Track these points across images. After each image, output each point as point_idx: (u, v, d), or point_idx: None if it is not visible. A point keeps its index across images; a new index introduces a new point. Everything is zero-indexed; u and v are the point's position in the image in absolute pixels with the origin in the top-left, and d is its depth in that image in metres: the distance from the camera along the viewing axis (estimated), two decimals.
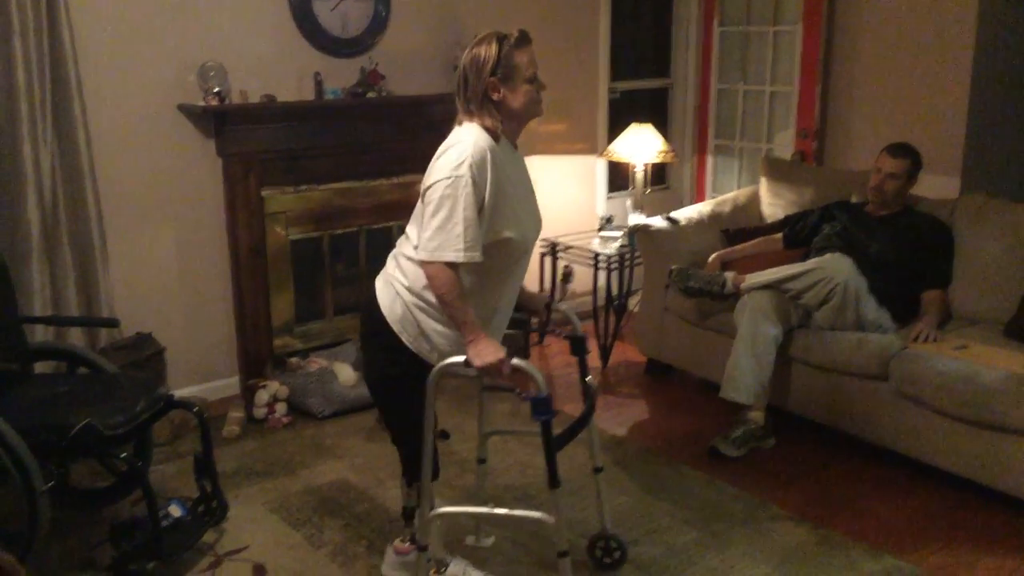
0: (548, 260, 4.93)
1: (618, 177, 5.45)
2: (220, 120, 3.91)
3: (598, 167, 5.30)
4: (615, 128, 5.21)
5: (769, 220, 4.43)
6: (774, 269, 3.67)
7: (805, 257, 3.88)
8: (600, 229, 4.92)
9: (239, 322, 4.19)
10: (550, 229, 4.98)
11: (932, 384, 3.22)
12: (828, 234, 3.92)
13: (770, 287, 3.62)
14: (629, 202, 4.83)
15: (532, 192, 2.55)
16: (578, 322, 2.72)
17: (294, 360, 4.18)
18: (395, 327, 2.43)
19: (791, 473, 3.49)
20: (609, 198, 5.42)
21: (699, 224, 4.34)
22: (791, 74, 5.07)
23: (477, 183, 2.25)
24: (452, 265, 2.27)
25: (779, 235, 4.14)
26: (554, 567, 2.43)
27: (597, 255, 4.60)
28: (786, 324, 3.62)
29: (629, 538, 2.99)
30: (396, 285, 2.44)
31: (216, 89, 3.80)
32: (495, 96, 2.34)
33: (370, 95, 4.25)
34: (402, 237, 2.51)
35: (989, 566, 2.86)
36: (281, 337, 4.33)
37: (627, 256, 4.57)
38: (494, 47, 2.33)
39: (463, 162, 2.25)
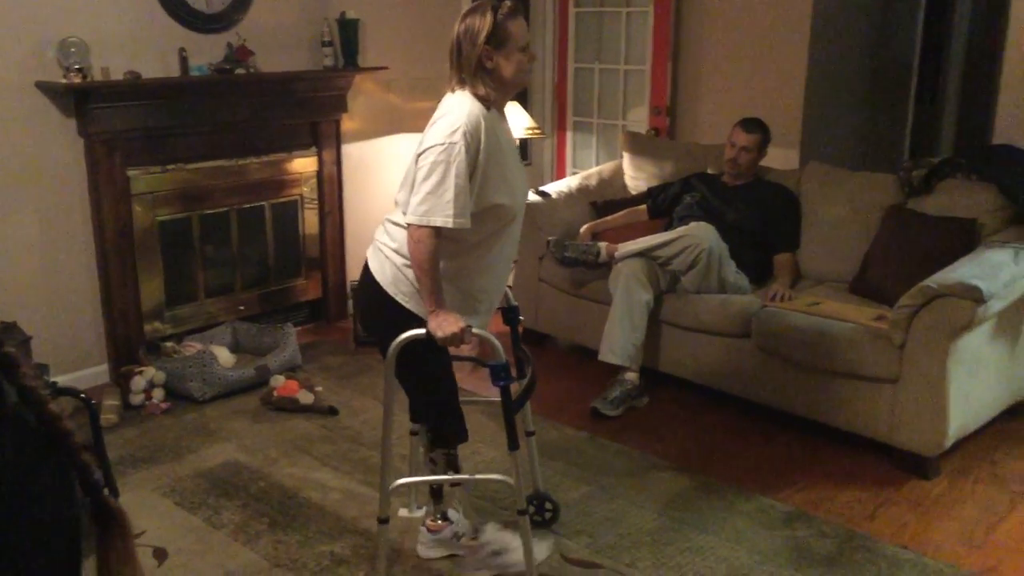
0: None
1: None
2: (82, 98, 3.75)
3: None
4: None
5: (633, 192, 4.67)
6: (644, 238, 3.89)
7: (668, 226, 4.13)
8: None
9: (107, 308, 4.06)
10: None
11: (789, 339, 3.52)
12: (689, 204, 4.18)
13: (641, 255, 3.84)
14: None
15: (519, 158, 2.60)
16: (510, 293, 2.78)
17: (169, 345, 4.09)
18: (389, 290, 2.45)
19: (666, 428, 3.73)
20: None
21: (569, 197, 4.53)
22: (644, 54, 5.32)
23: (470, 150, 2.30)
24: (437, 232, 2.30)
25: (643, 206, 4.38)
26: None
27: None
28: (656, 289, 3.86)
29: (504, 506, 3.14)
30: (384, 250, 2.47)
31: (77, 66, 3.65)
32: (488, 64, 2.37)
33: (238, 72, 4.18)
34: (391, 210, 2.53)
35: (847, 498, 3.18)
36: (151, 322, 4.22)
37: None
38: (488, 16, 2.36)
39: (457, 129, 2.29)
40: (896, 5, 5.61)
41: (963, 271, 3.23)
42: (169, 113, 4.06)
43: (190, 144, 4.20)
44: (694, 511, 3.08)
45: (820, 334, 3.45)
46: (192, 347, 4.10)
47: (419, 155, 2.36)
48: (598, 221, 4.36)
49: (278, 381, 3.95)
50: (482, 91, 2.39)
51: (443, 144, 2.30)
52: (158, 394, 3.88)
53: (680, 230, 3.86)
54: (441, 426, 2.61)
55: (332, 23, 4.55)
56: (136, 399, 3.85)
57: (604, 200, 4.58)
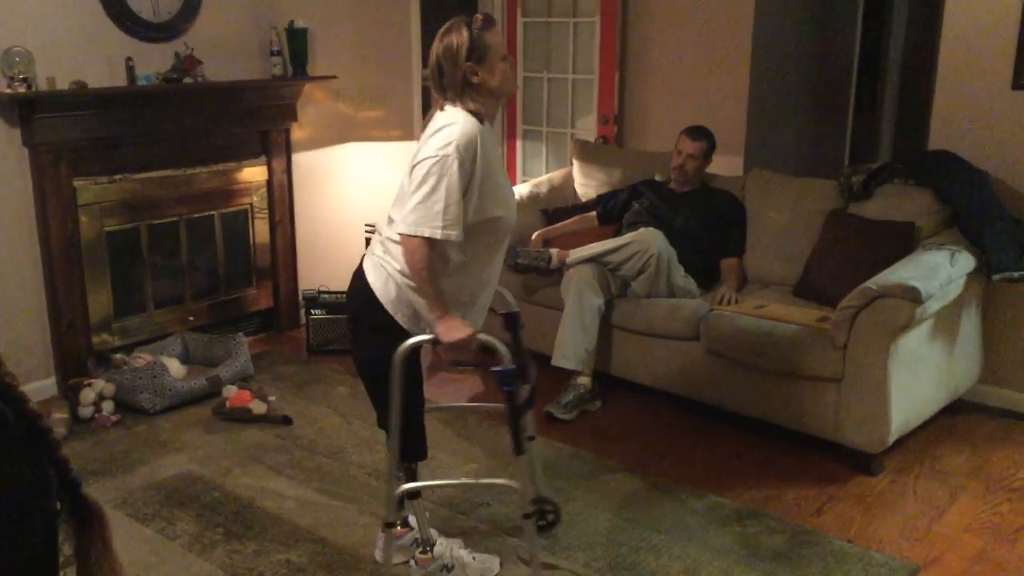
0: None
1: None
2: (27, 108, 3.71)
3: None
4: (427, 114, 5.35)
5: (583, 199, 4.73)
6: (594, 244, 3.96)
7: (617, 232, 4.20)
8: None
9: (54, 319, 4.00)
10: (372, 214, 5.07)
11: (737, 340, 3.61)
12: (637, 210, 4.26)
13: (592, 261, 3.90)
14: None
15: (505, 169, 2.63)
16: (512, 298, 2.80)
17: (119, 356, 4.04)
18: (389, 308, 2.46)
19: (619, 430, 3.79)
20: None
21: (519, 205, 4.57)
22: (591, 63, 5.39)
23: (464, 164, 2.31)
24: (431, 242, 2.31)
25: (593, 213, 4.45)
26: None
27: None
28: (607, 294, 3.92)
29: (481, 501, 3.18)
30: (387, 268, 2.47)
31: (22, 75, 3.61)
32: (475, 80, 2.39)
33: (186, 81, 4.15)
34: (385, 223, 2.53)
35: (795, 495, 3.27)
36: (100, 334, 4.16)
37: None
38: (464, 32, 2.38)
39: (451, 142, 2.30)
40: (835, 16, 5.77)
41: (902, 273, 3.34)
42: (116, 123, 4.02)
43: (138, 154, 4.16)
44: (647, 511, 3.14)
45: (766, 336, 3.54)
46: (142, 359, 4.06)
47: (413, 167, 2.37)
48: (549, 228, 4.41)
49: (230, 391, 3.92)
50: (473, 107, 2.41)
51: (436, 157, 2.31)
52: (108, 406, 3.83)
53: (629, 236, 3.93)
54: (407, 441, 2.60)
55: (281, 32, 4.55)
56: (85, 412, 3.79)
57: (554, 207, 4.64)
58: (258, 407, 3.84)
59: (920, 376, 3.49)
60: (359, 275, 2.56)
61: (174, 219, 4.37)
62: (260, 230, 4.76)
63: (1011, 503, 3.21)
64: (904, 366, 3.36)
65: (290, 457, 3.53)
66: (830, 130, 6.00)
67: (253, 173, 4.66)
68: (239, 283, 4.75)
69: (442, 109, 2.45)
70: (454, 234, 2.34)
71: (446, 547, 2.79)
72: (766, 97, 5.04)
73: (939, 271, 3.39)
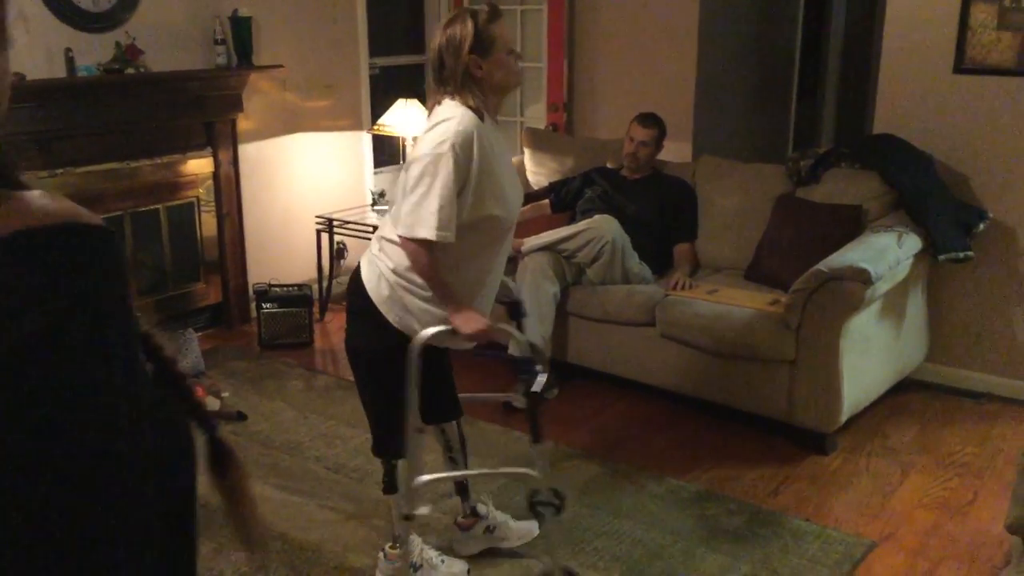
0: (324, 237, 4.93)
1: (382, 153, 5.54)
2: None
3: (364, 143, 5.36)
4: (376, 104, 5.30)
5: (535, 187, 4.73)
6: (549, 232, 3.95)
7: (571, 220, 4.21)
8: (374, 204, 5.00)
9: None
10: (322, 206, 5.02)
11: (692, 325, 3.64)
12: (591, 197, 4.27)
13: (547, 249, 3.90)
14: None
15: (513, 167, 2.56)
16: (516, 287, 2.78)
17: None
18: (382, 307, 2.42)
19: (577, 417, 3.80)
20: (376, 173, 5.50)
21: None
22: (540, 51, 5.39)
23: (460, 163, 2.26)
24: (426, 243, 2.28)
25: (546, 201, 4.45)
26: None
27: (376, 228, 4.68)
28: (563, 282, 3.92)
29: (442, 491, 3.16)
30: (380, 266, 2.43)
31: None
32: (478, 73, 2.32)
33: (128, 72, 4.05)
34: (385, 218, 2.49)
35: (752, 476, 3.32)
36: None
37: None
38: (469, 24, 2.31)
39: (445, 140, 2.25)
40: (778, 4, 5.85)
41: (851, 255, 3.40)
42: (56, 116, 3.91)
43: (79, 147, 4.05)
44: (608, 496, 3.16)
45: (720, 320, 3.58)
46: None
47: (408, 165, 2.33)
48: None
49: None
50: (472, 102, 2.33)
51: (430, 156, 2.26)
52: None
53: (584, 223, 3.94)
54: (386, 438, 2.58)
55: (224, 21, 4.45)
56: None
57: None
58: (211, 403, 3.77)
59: (870, 356, 3.57)
60: (357, 275, 2.53)
61: (118, 213, 4.26)
62: (207, 223, 4.67)
63: (960, 478, 3.30)
64: (855, 347, 3.43)
65: (246, 454, 3.47)
66: (774, 116, 6.09)
67: (199, 165, 4.57)
68: (187, 278, 4.65)
69: (439, 103, 2.38)
70: (448, 235, 2.29)
71: (417, 545, 2.76)
72: (713, 84, 5.09)
73: (887, 253, 3.46)
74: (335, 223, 4.87)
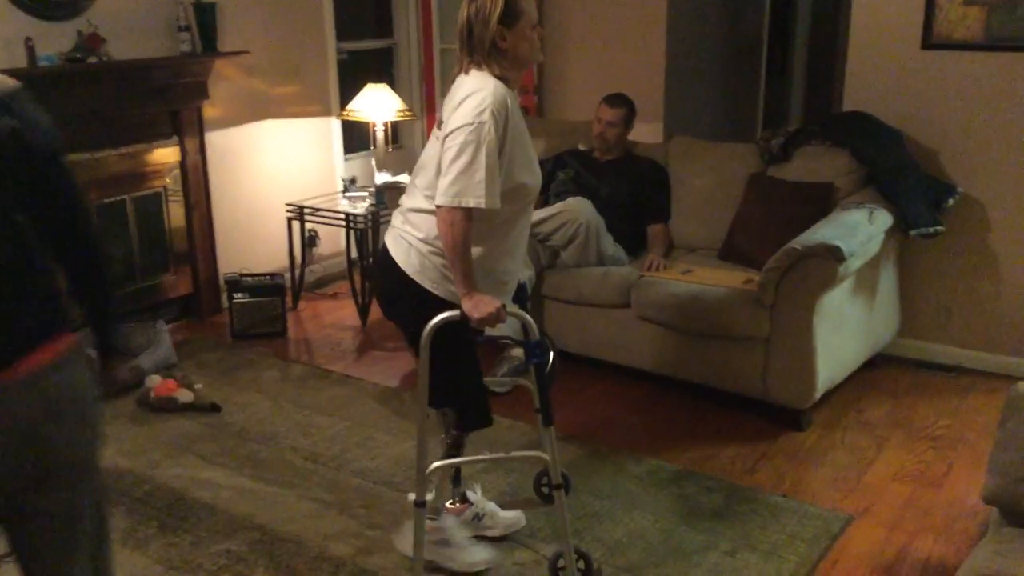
0: (296, 225, 4.88)
1: (351, 139, 5.49)
2: None
3: (333, 129, 5.31)
4: (344, 90, 5.25)
5: None
6: None
7: (544, 203, 4.19)
8: (345, 191, 4.96)
9: None
10: (292, 194, 4.97)
11: (667, 305, 3.65)
12: (563, 180, 4.25)
13: None
14: (373, 161, 4.90)
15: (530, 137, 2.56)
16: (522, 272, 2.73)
17: None
18: (416, 277, 2.40)
19: (555, 400, 3.76)
20: (346, 159, 5.45)
21: None
22: None
23: (499, 129, 2.26)
24: (469, 213, 2.26)
25: None
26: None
27: (349, 215, 4.65)
28: (537, 266, 3.92)
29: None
30: (408, 238, 2.41)
31: None
32: (503, 45, 2.32)
33: (91, 61, 3.97)
34: (406, 195, 2.48)
35: (730, 454, 3.34)
36: None
37: (378, 215, 4.64)
38: None
39: (485, 108, 2.24)
40: None
41: (824, 232, 3.42)
42: None
43: None
44: (587, 478, 3.16)
45: (695, 300, 3.59)
46: None
47: (446, 136, 2.30)
48: None
49: (154, 381, 3.80)
50: (498, 71, 2.34)
51: (472, 124, 2.25)
52: None
53: (558, 206, 3.92)
54: (467, 410, 2.56)
55: (188, 7, 4.38)
56: None
57: None
58: (184, 395, 3.73)
59: (843, 332, 3.59)
60: (384, 255, 2.50)
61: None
62: (175, 213, 4.61)
63: (934, 451, 3.34)
64: (828, 323, 3.45)
65: (221, 445, 3.44)
66: (743, 95, 6.11)
67: (165, 154, 4.50)
68: (156, 269, 4.59)
69: (466, 73, 2.38)
70: (496, 202, 2.29)
71: (479, 499, 2.79)
72: (682, 65, 5.09)
73: (859, 229, 3.48)
74: (306, 211, 4.82)
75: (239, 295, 4.49)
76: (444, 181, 2.29)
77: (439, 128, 2.42)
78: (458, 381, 2.53)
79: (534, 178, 2.48)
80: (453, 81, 2.43)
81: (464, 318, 2.30)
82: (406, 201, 2.51)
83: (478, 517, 2.81)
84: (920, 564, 2.70)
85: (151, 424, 3.62)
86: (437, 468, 2.52)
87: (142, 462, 3.32)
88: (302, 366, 4.19)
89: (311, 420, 3.63)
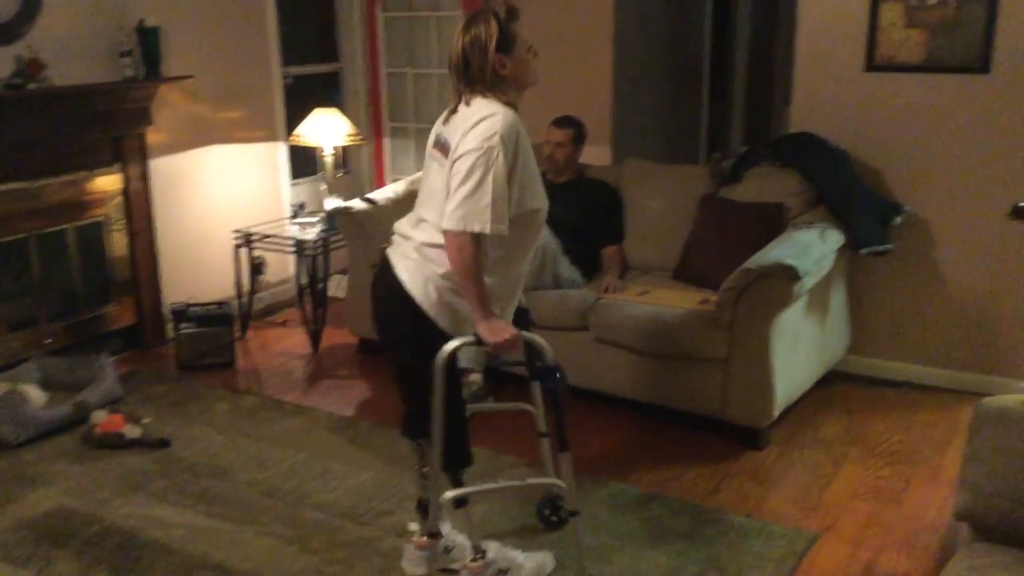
0: (243, 252, 4.78)
1: (297, 164, 5.41)
2: None
3: (280, 154, 5.23)
4: (291, 114, 5.18)
5: None
6: None
7: None
8: (294, 216, 4.88)
9: None
10: (239, 220, 4.87)
11: (625, 327, 3.64)
12: None
13: None
14: (324, 187, 4.83)
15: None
16: (521, 295, 2.69)
17: None
18: (431, 312, 2.36)
19: (514, 425, 3.75)
20: (294, 184, 5.37)
21: (397, 203, 4.47)
22: None
23: (508, 156, 2.23)
24: (477, 238, 2.22)
25: None
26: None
27: (299, 241, 4.56)
28: None
29: (383, 510, 3.09)
30: (427, 272, 2.36)
31: None
32: (503, 72, 2.32)
33: (30, 87, 3.85)
34: (411, 226, 2.44)
35: (692, 475, 3.33)
36: None
37: (328, 241, 4.57)
38: (493, 23, 2.31)
39: (494, 134, 2.23)
40: (687, 11, 5.94)
41: (778, 252, 3.46)
42: None
43: None
44: None
45: (652, 321, 3.59)
46: None
47: (454, 161, 2.28)
48: None
49: (99, 416, 3.67)
50: (505, 98, 2.34)
51: (481, 149, 2.24)
52: None
53: None
54: (452, 448, 2.49)
55: (130, 31, 4.28)
56: None
57: None
58: (131, 431, 3.60)
59: (798, 350, 3.63)
60: (389, 281, 2.43)
61: (23, 235, 4.06)
62: (118, 242, 4.48)
63: (891, 466, 3.38)
64: (784, 341, 3.48)
65: (172, 482, 3.33)
66: (687, 118, 6.19)
67: (107, 182, 4.38)
68: (98, 300, 4.45)
69: (468, 104, 2.36)
70: (503, 227, 2.27)
71: (496, 550, 2.70)
72: (629, 88, 5.13)
73: (811, 249, 3.53)
74: (253, 237, 4.73)
75: (186, 325, 4.37)
76: (450, 205, 2.28)
77: (436, 150, 2.40)
78: (446, 414, 2.47)
79: (543, 203, 2.48)
80: (454, 112, 2.41)
81: (479, 342, 2.29)
82: (416, 235, 2.45)
83: (447, 550, 2.75)
84: None
85: (97, 462, 3.49)
86: (450, 497, 2.48)
87: (90, 501, 3.19)
88: (253, 397, 4.09)
89: (265, 453, 3.54)
